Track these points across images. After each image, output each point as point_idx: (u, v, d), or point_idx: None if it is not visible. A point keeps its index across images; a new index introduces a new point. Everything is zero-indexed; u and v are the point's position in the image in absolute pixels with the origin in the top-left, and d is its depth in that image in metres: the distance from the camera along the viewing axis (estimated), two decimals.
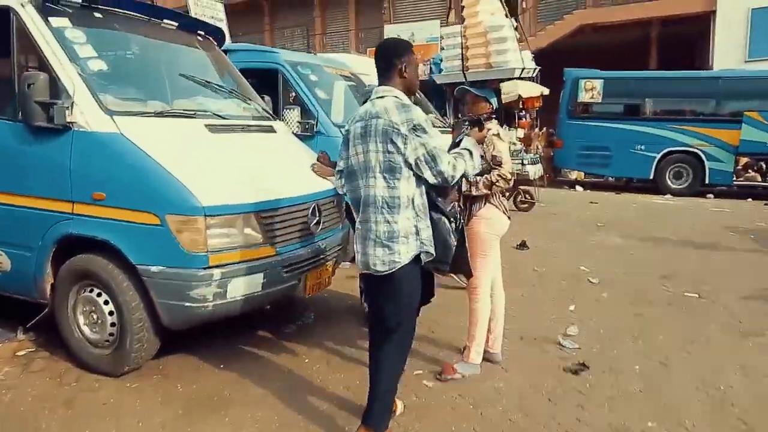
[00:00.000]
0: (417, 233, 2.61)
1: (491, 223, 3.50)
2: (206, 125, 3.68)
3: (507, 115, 8.43)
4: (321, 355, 3.86)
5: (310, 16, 22.51)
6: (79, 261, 3.39)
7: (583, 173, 15.10)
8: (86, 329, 3.48)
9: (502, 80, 3.61)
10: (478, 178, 3.40)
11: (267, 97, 5.09)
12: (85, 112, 3.27)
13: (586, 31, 17.25)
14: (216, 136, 3.68)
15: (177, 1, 11.68)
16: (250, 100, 4.55)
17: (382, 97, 2.63)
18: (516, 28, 3.40)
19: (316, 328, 4.36)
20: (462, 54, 3.44)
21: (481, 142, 3.16)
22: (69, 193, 3.32)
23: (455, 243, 2.87)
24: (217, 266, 3.21)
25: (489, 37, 3.35)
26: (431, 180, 2.58)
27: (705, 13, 16.03)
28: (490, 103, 3.54)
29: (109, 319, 3.37)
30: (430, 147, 2.52)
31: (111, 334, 3.39)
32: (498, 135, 3.43)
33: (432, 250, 2.69)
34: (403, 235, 2.57)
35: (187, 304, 3.19)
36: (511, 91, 7.74)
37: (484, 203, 3.49)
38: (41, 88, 3.21)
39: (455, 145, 3.02)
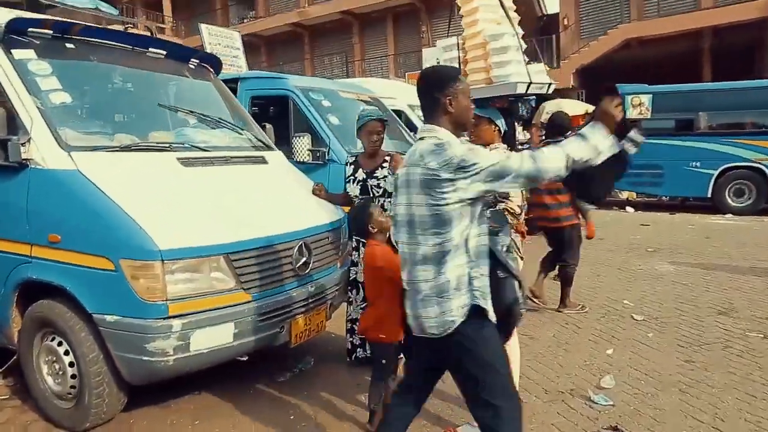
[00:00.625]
0: (469, 282, 2.13)
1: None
2: (179, 158, 3.38)
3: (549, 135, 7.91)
4: (310, 410, 3.42)
5: (349, 42, 22.60)
6: (39, 307, 3.12)
7: (635, 193, 14.16)
8: (49, 379, 3.19)
9: (510, 97, 3.12)
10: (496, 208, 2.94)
11: (269, 126, 4.80)
12: (41, 148, 3.02)
13: (632, 46, 16.47)
14: (190, 170, 3.37)
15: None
16: (242, 129, 4.25)
17: (422, 138, 2.21)
18: (523, 37, 2.96)
19: (313, 375, 3.94)
20: (459, 68, 3.05)
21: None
22: (27, 234, 3.07)
23: (521, 312, 2.33)
24: (177, 316, 2.85)
25: (488, 48, 2.91)
26: (522, 188, 2.07)
27: (761, 19, 14.95)
28: (496, 125, 3.08)
29: (70, 371, 3.07)
30: (488, 170, 2.03)
31: (72, 387, 3.08)
32: None
33: (487, 306, 2.16)
34: (455, 287, 2.11)
35: (145, 358, 2.83)
36: (553, 110, 7.18)
37: None
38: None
39: None
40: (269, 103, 6.28)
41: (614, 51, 16.31)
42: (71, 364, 3.06)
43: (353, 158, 4.01)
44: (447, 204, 2.05)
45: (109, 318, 2.86)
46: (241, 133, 4.22)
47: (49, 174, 3.01)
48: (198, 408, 3.44)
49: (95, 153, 3.10)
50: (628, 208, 13.12)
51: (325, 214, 3.85)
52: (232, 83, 6.39)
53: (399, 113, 8.29)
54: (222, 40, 7.22)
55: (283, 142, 5.60)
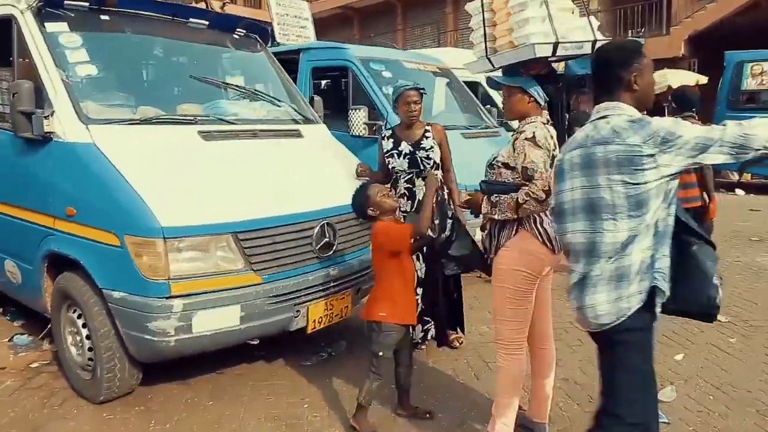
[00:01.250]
0: (652, 264, 1.94)
1: (523, 258, 2.59)
2: (201, 132, 3.28)
3: (657, 110, 7.11)
4: (326, 398, 3.26)
5: (442, 13, 21.87)
6: (62, 280, 3.18)
7: (749, 174, 12.58)
8: (73, 350, 3.27)
9: (549, 61, 2.66)
10: (503, 197, 2.57)
11: (317, 98, 4.63)
12: (63, 122, 3.03)
13: (762, 6, 14.43)
14: (211, 144, 3.27)
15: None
16: (280, 102, 4.10)
17: (604, 117, 2.01)
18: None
19: (341, 360, 3.78)
20: (485, 33, 2.64)
21: None
22: (50, 207, 3.12)
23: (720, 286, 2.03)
24: (179, 296, 2.78)
25: (509, 5, 2.48)
26: (727, 160, 1.86)
27: None
28: (529, 95, 2.66)
29: (87, 343, 3.11)
30: (693, 142, 1.85)
31: (90, 359, 3.12)
32: (533, 139, 2.54)
33: (666, 289, 1.96)
34: (637, 271, 1.92)
35: (147, 336, 2.79)
36: (660, 81, 6.40)
37: (516, 230, 2.62)
38: (25, 97, 3.03)
39: None
40: (330, 75, 6.10)
41: (737, 13, 14.41)
42: (87, 337, 3.10)
43: (389, 131, 3.79)
44: (646, 182, 1.89)
45: (116, 294, 2.84)
46: (279, 106, 4.07)
47: (68, 147, 3.02)
48: (216, 387, 3.40)
49: (113, 126, 3.07)
50: (738, 191, 11.69)
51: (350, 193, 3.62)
52: (295, 54, 6.29)
53: (474, 85, 7.80)
54: (290, 11, 7.11)
55: (344, 115, 5.43)
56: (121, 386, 3.09)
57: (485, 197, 2.62)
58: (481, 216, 2.73)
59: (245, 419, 3.07)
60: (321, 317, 3.29)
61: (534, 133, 2.54)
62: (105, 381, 3.03)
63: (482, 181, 2.75)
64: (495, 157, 2.74)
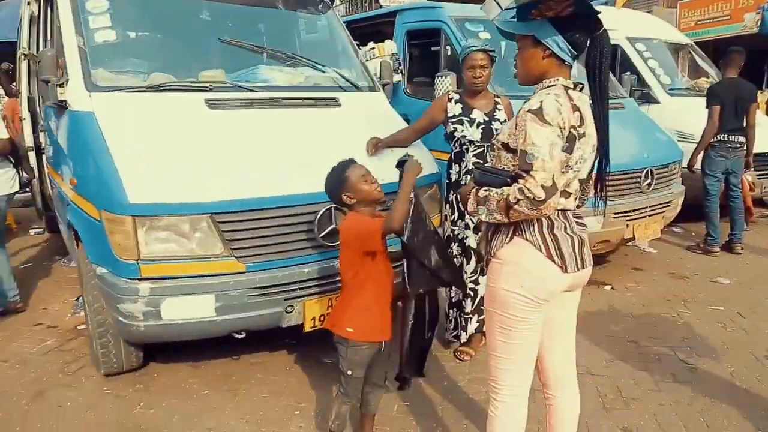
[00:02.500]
0: None
1: (517, 276, 1.88)
2: (208, 100, 3.01)
3: None
4: (320, 410, 2.86)
5: None
6: (80, 250, 3.17)
7: None
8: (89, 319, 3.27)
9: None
10: (493, 191, 1.87)
11: (384, 62, 4.15)
12: (73, 89, 2.97)
13: None
14: (215, 113, 2.99)
15: None
16: (324, 66, 3.69)
17: None
18: None
19: None
20: None
21: None
22: (68, 176, 3.11)
23: None
24: (148, 279, 2.56)
25: None
26: None
27: None
28: (544, 45, 1.89)
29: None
30: None
31: None
32: (538, 111, 1.79)
33: None
34: None
35: (120, 318, 2.64)
36: None
37: (511, 235, 1.91)
38: (46, 66, 3.02)
39: None
40: (423, 37, 5.49)
41: None
42: None
43: (456, 94, 3.27)
44: None
45: (99, 270, 2.73)
46: (324, 71, 3.66)
47: (74, 116, 2.96)
48: (221, 376, 3.19)
49: (116, 94, 2.94)
50: None
51: (384, 172, 3.09)
52: (392, 16, 5.80)
53: (613, 49, 6.57)
54: None
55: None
56: (118, 363, 3.02)
57: (473, 190, 1.95)
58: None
59: (227, 416, 2.81)
60: (322, 315, 2.87)
61: (541, 103, 1.79)
62: (100, 356, 2.98)
63: (474, 166, 2.06)
64: (498, 135, 2.04)
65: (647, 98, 6.25)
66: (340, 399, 2.35)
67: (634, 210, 4.58)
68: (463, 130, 3.17)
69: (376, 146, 3.16)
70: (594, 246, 4.59)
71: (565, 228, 1.89)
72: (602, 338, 3.70)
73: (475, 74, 3.13)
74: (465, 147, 3.20)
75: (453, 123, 3.20)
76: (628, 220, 4.54)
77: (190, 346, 3.09)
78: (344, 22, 6.84)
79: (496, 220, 1.86)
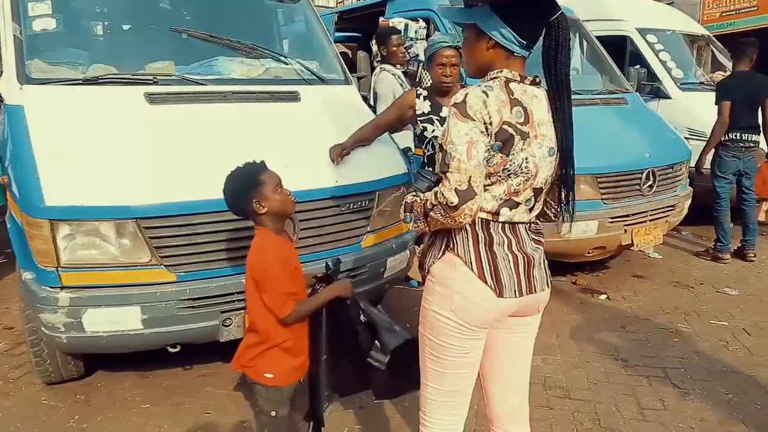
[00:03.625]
0: None
1: (447, 296, 1.62)
2: (147, 94, 2.79)
3: None
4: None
5: None
6: None
7: None
8: None
9: None
10: (420, 196, 1.62)
11: (362, 55, 3.91)
12: (6, 81, 2.78)
13: None
14: (153, 108, 2.76)
15: None
16: (288, 58, 3.44)
17: None
18: None
19: None
20: None
21: None
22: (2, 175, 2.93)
23: None
24: (68, 288, 2.36)
25: None
26: None
27: None
28: (488, 35, 1.61)
29: None
30: None
31: None
32: (462, 104, 1.51)
33: None
34: None
35: (42, 328, 2.45)
36: None
37: (442, 250, 1.65)
38: None
39: None
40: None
41: None
42: None
43: (423, 91, 3.00)
44: None
45: (24, 276, 2.54)
46: (287, 63, 3.41)
47: (7, 110, 2.77)
48: (168, 388, 2.99)
49: (48, 87, 2.73)
50: None
51: (338, 174, 2.86)
52: (382, 6, 5.53)
53: (621, 40, 6.19)
54: None
55: None
56: (54, 372, 2.84)
57: (407, 194, 1.70)
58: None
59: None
60: None
61: (465, 96, 1.52)
62: (35, 365, 2.81)
63: (418, 171, 1.82)
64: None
65: (657, 93, 5.84)
66: None
67: (633, 214, 4.23)
68: (433, 130, 2.91)
69: (341, 155, 2.91)
70: (588, 252, 4.27)
71: (509, 245, 1.62)
72: (588, 355, 3.40)
73: (444, 72, 2.86)
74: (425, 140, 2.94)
75: (422, 122, 2.94)
76: (626, 225, 4.20)
77: (141, 353, 2.89)
78: (337, 12, 6.67)
79: (419, 228, 1.64)
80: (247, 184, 1.92)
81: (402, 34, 4.82)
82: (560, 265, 4.33)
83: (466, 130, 1.49)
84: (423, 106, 2.95)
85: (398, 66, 4.52)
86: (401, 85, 4.30)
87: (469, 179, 1.47)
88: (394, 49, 4.43)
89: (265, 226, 1.94)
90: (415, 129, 3.03)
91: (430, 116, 2.92)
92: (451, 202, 1.46)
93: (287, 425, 2.09)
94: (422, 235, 1.86)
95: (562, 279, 4.52)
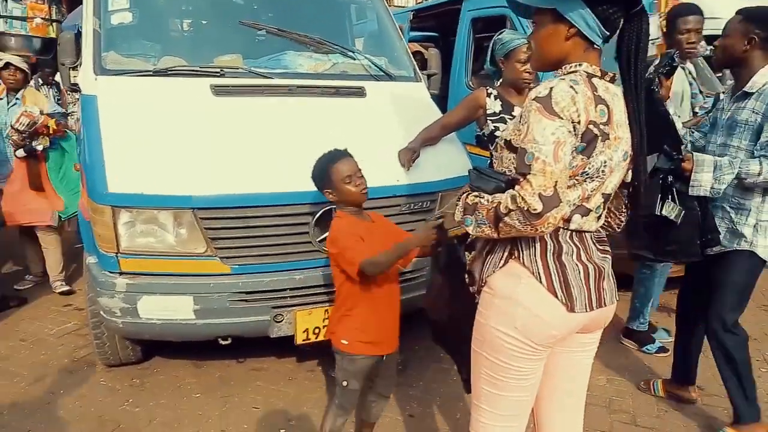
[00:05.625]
0: None
1: (510, 311, 1.48)
2: (213, 86, 2.81)
3: None
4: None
5: None
6: None
7: None
8: None
9: None
10: (486, 198, 1.49)
11: (433, 52, 3.82)
12: (83, 72, 2.89)
13: None
14: (219, 99, 2.78)
15: None
16: (356, 53, 3.39)
17: None
18: None
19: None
20: None
21: None
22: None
23: None
24: (126, 274, 2.41)
25: None
26: None
27: None
28: (568, 22, 1.46)
29: None
30: None
31: None
32: (546, 99, 1.36)
33: None
34: None
35: (101, 312, 2.52)
36: None
37: (504, 258, 1.52)
38: (65, 49, 2.98)
39: None
40: (488, 26, 5.01)
41: None
42: None
43: (494, 90, 2.91)
44: None
45: (88, 260, 2.63)
46: (354, 59, 3.36)
47: (83, 99, 2.88)
48: (220, 379, 3.01)
49: (120, 78, 2.81)
50: None
51: (400, 172, 2.77)
52: (457, 4, 5.37)
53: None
54: None
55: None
56: (113, 355, 2.92)
57: (464, 195, 1.57)
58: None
59: (209, 426, 2.64)
60: (316, 328, 2.59)
61: (551, 90, 1.37)
62: (96, 347, 2.91)
63: (474, 167, 1.68)
64: (504, 131, 1.64)
65: None
66: (334, 411, 2.15)
67: None
68: (505, 130, 2.78)
69: (412, 159, 2.83)
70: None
71: (578, 254, 1.47)
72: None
73: (526, 68, 2.77)
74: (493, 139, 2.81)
75: (494, 122, 2.83)
76: None
77: (196, 343, 2.93)
78: (412, 10, 6.58)
79: (484, 234, 1.48)
80: (322, 172, 2.05)
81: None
82: (631, 279, 4.04)
83: (553, 129, 1.34)
84: (494, 105, 2.84)
85: None
86: None
87: (555, 184, 1.31)
88: None
89: (342, 209, 2.06)
90: (482, 129, 2.91)
91: (502, 115, 2.82)
92: (534, 209, 1.31)
93: (361, 402, 2.22)
94: (473, 241, 1.72)
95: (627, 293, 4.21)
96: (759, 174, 2.26)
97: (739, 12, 2.42)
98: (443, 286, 1.93)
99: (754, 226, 2.39)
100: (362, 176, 2.03)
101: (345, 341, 2.07)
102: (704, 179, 2.31)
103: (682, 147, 2.58)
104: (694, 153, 2.40)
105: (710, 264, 2.44)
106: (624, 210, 1.65)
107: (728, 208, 2.42)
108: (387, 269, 1.96)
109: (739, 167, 2.29)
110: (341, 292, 2.07)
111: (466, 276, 1.68)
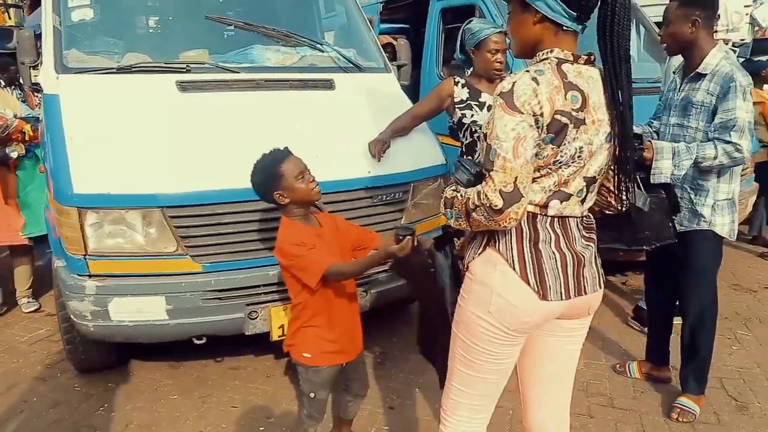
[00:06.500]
0: None
1: (485, 296, 1.49)
2: (179, 82, 2.76)
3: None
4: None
5: None
6: None
7: None
8: None
9: None
10: (461, 191, 1.48)
11: (401, 42, 3.80)
12: (45, 71, 2.81)
13: None
14: (184, 96, 2.73)
15: None
16: (324, 45, 3.36)
17: None
18: None
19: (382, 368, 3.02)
20: None
21: None
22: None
23: None
24: (95, 276, 2.36)
25: None
26: None
27: None
28: (534, 8, 1.45)
29: None
30: None
31: None
32: (509, 94, 1.35)
33: None
34: None
35: (71, 316, 2.47)
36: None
37: (482, 245, 1.52)
38: (24, 48, 2.89)
39: None
40: (457, 15, 5.01)
41: None
42: None
43: (461, 78, 2.92)
44: None
45: (56, 263, 2.57)
46: (322, 51, 3.33)
47: (45, 99, 2.80)
48: (197, 379, 2.98)
49: (83, 76, 2.74)
50: None
51: (371, 163, 2.76)
52: None
53: None
54: None
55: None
56: (87, 360, 2.87)
57: (446, 187, 1.57)
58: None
59: (187, 427, 2.61)
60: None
61: (513, 84, 1.36)
62: (68, 352, 2.86)
63: (457, 160, 1.68)
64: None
65: None
66: (305, 421, 2.10)
67: None
68: (473, 115, 2.82)
69: (383, 150, 2.80)
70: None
71: (557, 242, 1.47)
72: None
73: (497, 58, 2.79)
74: (477, 135, 2.81)
75: (461, 109, 2.84)
76: None
77: (172, 343, 2.88)
78: (382, 3, 6.54)
79: (462, 227, 1.49)
80: (269, 174, 1.91)
81: None
82: (609, 263, 4.09)
83: (513, 125, 1.33)
84: (461, 93, 2.86)
85: None
86: None
87: (515, 180, 1.32)
88: None
89: (288, 214, 1.94)
90: (452, 118, 2.92)
91: (469, 102, 2.85)
92: (495, 205, 1.32)
93: (337, 402, 2.21)
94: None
95: (611, 279, 4.28)
96: (715, 158, 2.32)
97: None
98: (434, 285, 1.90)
99: (712, 206, 2.44)
100: (312, 176, 1.94)
101: (307, 354, 1.99)
102: (664, 166, 2.34)
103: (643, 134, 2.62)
104: (653, 141, 2.42)
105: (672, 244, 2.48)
106: (610, 193, 1.63)
107: (688, 189, 2.46)
108: (352, 277, 1.95)
109: (696, 152, 2.33)
110: (297, 301, 1.97)
111: (459, 261, 1.69)
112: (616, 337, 3.44)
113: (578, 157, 1.42)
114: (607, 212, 1.67)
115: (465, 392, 1.61)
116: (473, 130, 2.83)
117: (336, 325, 1.99)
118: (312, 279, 1.84)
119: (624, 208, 1.64)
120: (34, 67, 2.87)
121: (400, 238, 1.76)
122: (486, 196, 1.33)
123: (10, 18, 6.30)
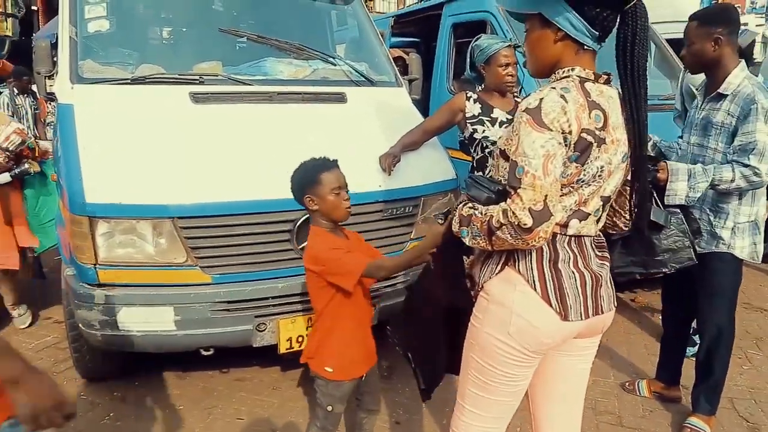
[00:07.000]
0: None
1: (504, 317, 1.47)
2: (192, 93, 2.78)
3: None
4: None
5: None
6: None
7: None
8: None
9: None
10: (480, 209, 1.45)
11: (413, 57, 3.82)
12: (60, 81, 2.84)
13: None
14: (198, 107, 2.75)
15: None
16: (336, 59, 3.38)
17: None
18: None
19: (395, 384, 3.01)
20: None
21: None
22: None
23: None
24: (104, 285, 2.37)
25: None
26: None
27: None
28: (555, 26, 1.46)
29: None
30: None
31: None
32: (536, 111, 1.34)
33: None
34: None
35: (80, 325, 2.47)
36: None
37: (500, 264, 1.50)
38: (41, 57, 2.92)
39: None
40: (469, 30, 5.04)
41: None
42: None
43: (473, 93, 2.94)
44: None
45: (66, 271, 2.58)
46: (335, 64, 3.35)
47: (59, 108, 2.83)
48: (203, 390, 2.97)
49: (97, 86, 2.76)
50: None
51: (381, 177, 2.76)
52: (438, 9, 5.40)
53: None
54: None
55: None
56: (94, 368, 2.88)
57: (460, 205, 1.55)
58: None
59: None
60: (300, 336, 2.56)
61: (541, 101, 1.35)
62: (75, 360, 2.86)
63: (468, 176, 1.67)
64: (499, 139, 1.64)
65: None
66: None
67: None
68: (484, 131, 2.82)
69: (393, 164, 2.81)
70: None
71: (575, 261, 1.47)
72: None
73: (508, 72, 2.82)
74: (488, 150, 2.82)
75: (472, 124, 2.85)
76: None
77: (179, 354, 2.88)
78: (393, 17, 6.60)
79: (480, 246, 1.46)
80: (309, 177, 1.94)
81: None
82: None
83: (542, 142, 1.32)
84: (473, 108, 2.87)
85: None
86: None
87: (545, 198, 1.30)
88: None
89: (318, 224, 1.96)
90: (463, 133, 2.93)
91: (480, 117, 2.85)
92: (525, 224, 1.29)
93: (352, 422, 2.18)
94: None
95: (619, 296, 4.24)
96: (732, 180, 2.28)
97: (693, 17, 2.42)
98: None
99: (732, 229, 2.40)
100: (348, 193, 1.96)
101: (329, 369, 1.98)
102: (679, 188, 2.30)
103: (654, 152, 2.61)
104: (669, 162, 2.40)
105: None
106: (629, 208, 1.63)
107: (707, 210, 2.43)
108: (391, 275, 1.98)
109: (713, 174, 2.30)
110: (321, 312, 1.98)
111: (466, 279, 1.67)
112: (625, 355, 3.41)
113: (599, 176, 1.42)
114: (610, 232, 1.66)
115: (479, 415, 1.59)
116: (485, 145, 2.84)
117: (357, 336, 2.00)
118: (350, 280, 1.85)
119: (628, 229, 1.64)
120: (50, 77, 2.90)
121: (441, 219, 1.69)
122: (514, 214, 1.31)
123: (8, 28, 6.36)
